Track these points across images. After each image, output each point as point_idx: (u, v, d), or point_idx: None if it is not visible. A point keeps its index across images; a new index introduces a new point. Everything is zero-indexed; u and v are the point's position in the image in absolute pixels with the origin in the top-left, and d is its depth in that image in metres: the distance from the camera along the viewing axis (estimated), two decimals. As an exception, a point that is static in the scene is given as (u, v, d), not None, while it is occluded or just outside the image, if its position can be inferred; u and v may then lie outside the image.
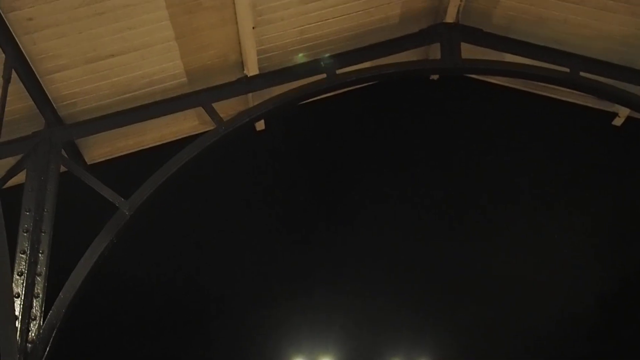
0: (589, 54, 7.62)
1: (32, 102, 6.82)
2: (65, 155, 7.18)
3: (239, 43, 7.13)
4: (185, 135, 7.75)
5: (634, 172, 8.73)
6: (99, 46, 6.66)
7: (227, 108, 7.52)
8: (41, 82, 6.74)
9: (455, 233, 8.79)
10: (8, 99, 6.33)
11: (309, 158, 8.56)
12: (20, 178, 6.90)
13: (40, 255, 6.54)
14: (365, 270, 8.96)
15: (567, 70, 7.55)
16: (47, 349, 6.25)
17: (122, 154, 7.75)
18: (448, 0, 7.47)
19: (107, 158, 7.74)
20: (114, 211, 6.89)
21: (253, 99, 7.62)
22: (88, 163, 7.62)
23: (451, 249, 8.66)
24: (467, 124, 8.51)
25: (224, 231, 8.49)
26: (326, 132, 8.50)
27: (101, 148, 7.63)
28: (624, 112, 8.15)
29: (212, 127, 7.28)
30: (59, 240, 6.65)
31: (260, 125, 8.03)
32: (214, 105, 7.31)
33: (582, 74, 7.56)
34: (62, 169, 7.07)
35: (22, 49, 6.38)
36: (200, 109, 7.38)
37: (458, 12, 7.58)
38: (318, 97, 7.67)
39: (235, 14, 6.83)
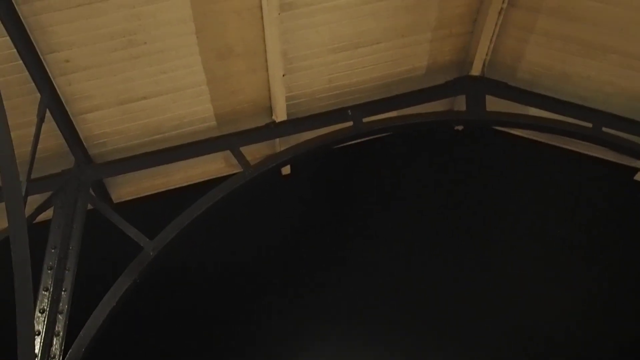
0: (612, 110, 7.72)
1: (63, 141, 6.99)
2: (93, 194, 7.31)
3: (269, 89, 7.29)
4: (211, 177, 7.86)
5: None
6: (132, 88, 6.84)
7: (255, 152, 7.64)
8: (73, 122, 6.90)
9: (476, 281, 8.83)
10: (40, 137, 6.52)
11: (335, 203, 8.64)
12: (47, 214, 7.02)
13: (63, 293, 6.60)
14: (390, 311, 8.97)
15: (590, 125, 7.65)
16: (66, 387, 6.30)
17: (148, 193, 7.85)
18: (474, 54, 7.63)
19: (134, 197, 7.85)
20: (139, 251, 7.00)
21: (280, 144, 7.73)
22: (115, 202, 7.72)
23: (474, 298, 8.69)
24: (490, 174, 8.59)
25: (248, 274, 8.55)
26: (352, 178, 8.58)
27: (128, 187, 7.74)
28: (645, 168, 8.24)
29: (239, 170, 7.40)
30: (82, 278, 6.73)
31: (286, 169, 8.15)
32: (242, 149, 7.46)
33: (604, 129, 7.65)
34: (89, 206, 7.22)
35: (57, 89, 6.56)
36: (228, 152, 7.51)
37: (484, 65, 7.74)
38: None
39: (266, 61, 7.02)
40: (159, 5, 6.20)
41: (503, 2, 7.11)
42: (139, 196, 7.91)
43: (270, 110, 7.53)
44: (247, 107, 7.43)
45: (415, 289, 8.61)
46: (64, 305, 6.60)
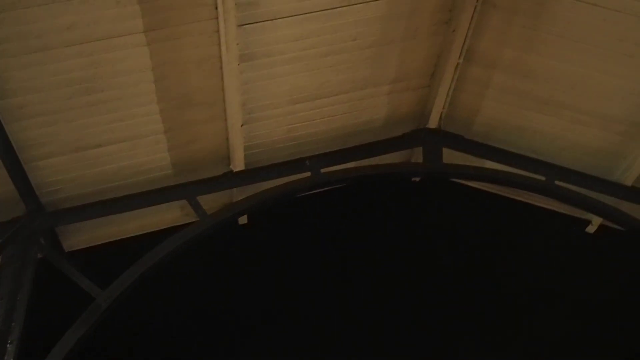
0: (565, 163, 7.90)
1: (14, 188, 6.84)
2: (44, 243, 7.15)
3: (227, 139, 7.27)
4: (168, 227, 7.77)
5: (605, 278, 8.94)
6: (87, 136, 6.74)
7: (212, 201, 7.58)
8: (25, 169, 6.74)
9: (431, 329, 8.84)
10: (-11, 183, 6.39)
11: (291, 252, 8.61)
12: (-4, 264, 6.84)
13: (8, 346, 6.39)
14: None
15: (544, 178, 7.80)
16: None
17: (102, 242, 7.71)
18: (431, 107, 7.76)
19: (87, 246, 7.70)
20: (91, 302, 6.84)
21: (238, 194, 7.69)
22: (67, 250, 7.56)
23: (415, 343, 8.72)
24: (447, 225, 8.69)
25: (202, 324, 8.42)
26: (309, 229, 8.58)
27: (82, 235, 7.58)
28: (597, 221, 8.38)
29: (195, 220, 7.34)
30: (31, 330, 6.55)
31: (243, 219, 8.09)
32: (199, 198, 7.39)
33: (557, 182, 7.82)
34: (40, 255, 7.06)
35: (9, 136, 6.43)
36: (185, 201, 7.44)
37: (441, 118, 7.87)
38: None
39: (225, 111, 7.02)
40: (117, 53, 6.16)
41: (459, 58, 7.27)
42: (92, 245, 7.79)
43: (228, 159, 7.50)
44: (204, 156, 7.39)
45: (370, 337, 8.59)
46: (9, 359, 6.41)
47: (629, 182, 7.86)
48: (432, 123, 7.88)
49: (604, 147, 7.75)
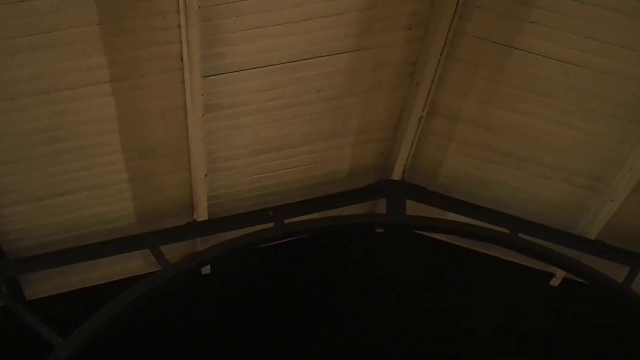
0: (528, 216, 7.97)
1: (-25, 236, 6.82)
2: (5, 291, 7.09)
3: (191, 189, 7.29)
4: (130, 276, 7.73)
5: (569, 331, 8.95)
6: (51, 184, 6.73)
7: (175, 251, 7.56)
8: (-13, 217, 6.77)
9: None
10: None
11: (254, 303, 8.58)
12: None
13: (-33, 394, 6.34)
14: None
15: (507, 231, 7.84)
16: None
17: (65, 290, 7.66)
18: (395, 159, 7.82)
19: (49, 295, 7.64)
20: (51, 351, 6.77)
21: (201, 244, 7.70)
22: (28, 299, 7.49)
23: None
24: (410, 277, 8.68)
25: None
26: (272, 279, 8.56)
27: (44, 284, 7.52)
28: (560, 273, 8.43)
29: (158, 269, 7.32)
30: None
31: (206, 269, 8.08)
32: (162, 247, 7.38)
33: (520, 235, 7.87)
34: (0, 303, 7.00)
35: (-30, 185, 6.45)
36: (148, 250, 7.43)
37: (404, 170, 7.93)
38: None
39: (189, 161, 7.04)
40: (82, 103, 6.20)
41: (423, 111, 7.36)
42: (54, 293, 7.73)
43: (191, 209, 7.50)
44: (168, 205, 7.40)
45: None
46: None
47: (592, 235, 7.92)
48: (396, 175, 7.94)
49: (566, 200, 7.84)
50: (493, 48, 6.79)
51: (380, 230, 8.37)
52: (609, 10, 6.17)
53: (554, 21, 6.39)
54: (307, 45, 6.53)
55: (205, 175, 7.14)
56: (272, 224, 7.66)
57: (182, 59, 6.20)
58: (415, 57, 7.05)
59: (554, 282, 8.54)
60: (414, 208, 7.94)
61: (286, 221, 7.67)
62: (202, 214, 7.50)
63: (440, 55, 6.93)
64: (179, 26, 5.93)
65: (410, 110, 7.37)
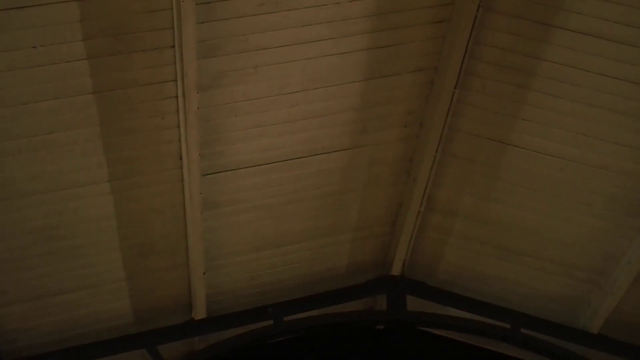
0: (529, 311, 7.89)
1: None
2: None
3: (189, 286, 7.26)
4: (127, 375, 7.63)
5: None
6: (48, 284, 6.69)
7: (173, 349, 7.48)
8: (-18, 319, 6.70)
9: None
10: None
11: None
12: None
13: None
14: None
15: (508, 326, 7.77)
16: None
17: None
18: (393, 254, 7.82)
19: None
20: None
21: (199, 342, 7.60)
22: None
23: None
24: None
25: None
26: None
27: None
28: (564, 369, 8.31)
29: (154, 369, 7.23)
30: None
31: (204, 368, 7.97)
32: (160, 346, 7.29)
33: (523, 330, 7.79)
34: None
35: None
36: (145, 350, 7.34)
37: (403, 265, 7.91)
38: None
39: (187, 258, 7.04)
40: (81, 202, 6.24)
41: (420, 206, 7.40)
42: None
43: (190, 307, 7.44)
44: (166, 303, 7.34)
45: None
46: None
47: (594, 329, 7.83)
48: (395, 270, 7.92)
49: (567, 294, 7.78)
50: (488, 144, 6.88)
51: (381, 327, 8.29)
52: (601, 109, 6.29)
53: (547, 118, 6.51)
54: (305, 143, 6.63)
55: (204, 273, 7.11)
56: (271, 322, 7.59)
57: (181, 158, 6.28)
58: (411, 154, 7.14)
59: (559, 378, 8.42)
60: (414, 303, 7.88)
61: (285, 318, 7.60)
62: (200, 312, 7.42)
63: (436, 152, 7.01)
64: (179, 126, 6.04)
65: (407, 206, 7.41)
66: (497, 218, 7.45)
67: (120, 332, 7.34)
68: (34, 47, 5.14)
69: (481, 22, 6.12)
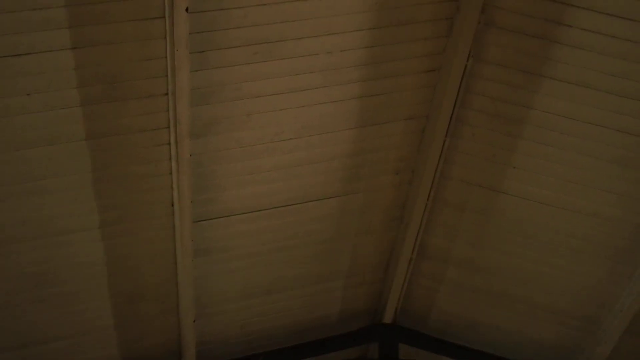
0: (523, 358, 7.83)
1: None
2: None
3: (179, 334, 7.18)
4: None
5: None
6: (35, 331, 6.59)
7: (160, 398, 7.41)
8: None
9: None
10: None
11: None
12: None
13: None
14: None
15: (502, 374, 7.76)
16: None
17: None
18: (385, 301, 7.77)
19: None
20: None
21: (188, 391, 7.54)
22: None
23: None
24: None
25: None
26: None
27: None
28: (559, 419, 8.24)
29: (141, 422, 7.12)
30: None
31: (192, 418, 7.86)
32: (147, 396, 7.21)
33: (516, 379, 7.77)
34: None
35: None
36: (133, 400, 7.25)
37: (396, 313, 7.86)
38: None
39: (177, 306, 6.98)
40: (72, 248, 6.20)
41: (412, 253, 7.40)
42: None
43: (179, 355, 7.34)
44: (155, 351, 7.24)
45: None
46: None
47: (588, 377, 7.84)
48: (387, 318, 7.86)
49: (561, 341, 7.74)
50: (479, 192, 6.92)
51: (373, 375, 8.24)
52: (589, 157, 6.35)
53: (537, 166, 6.56)
54: (297, 190, 6.65)
55: (194, 321, 7.06)
56: (262, 371, 7.57)
57: (173, 205, 6.27)
58: (403, 201, 7.17)
59: None
60: (407, 352, 7.83)
61: (276, 370, 7.58)
62: (189, 361, 7.40)
63: (428, 199, 7.04)
64: (171, 173, 6.05)
65: (399, 253, 7.41)
66: (489, 265, 7.45)
67: (107, 382, 7.30)
68: (28, 94, 5.18)
69: (471, 71, 6.22)
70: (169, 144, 5.85)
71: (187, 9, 5.08)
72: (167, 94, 5.54)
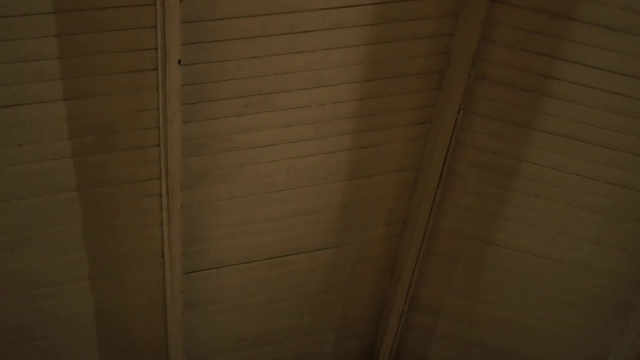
0: None
1: None
2: None
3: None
4: None
5: None
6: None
7: None
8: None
9: None
10: None
11: None
12: None
13: None
14: None
15: None
16: None
17: None
18: (377, 354, 7.69)
19: None
20: None
21: None
22: None
23: None
24: None
25: None
26: None
27: None
28: None
29: None
30: None
31: None
32: None
33: None
34: None
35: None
36: None
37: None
38: None
39: (167, 358, 6.87)
40: (61, 300, 6.13)
41: (404, 305, 7.36)
42: None
43: None
44: None
45: None
46: None
47: None
48: (382, 376, 7.86)
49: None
50: (470, 243, 6.92)
51: None
52: (580, 208, 6.38)
53: (528, 218, 6.57)
54: (288, 242, 6.64)
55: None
56: None
57: (163, 256, 6.25)
58: (394, 253, 7.17)
59: None
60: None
61: None
62: None
63: (419, 251, 7.03)
64: (162, 224, 6.04)
65: (391, 305, 7.37)
66: (481, 318, 7.40)
67: None
68: (19, 145, 5.19)
69: (462, 124, 6.28)
70: (160, 194, 5.85)
71: (179, 62, 5.14)
72: (158, 145, 5.56)
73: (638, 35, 5.53)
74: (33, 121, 5.11)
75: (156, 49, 5.12)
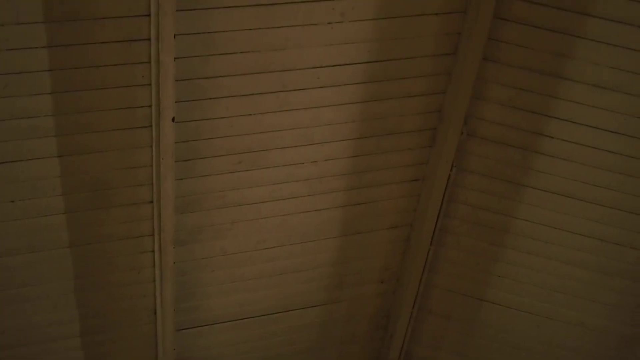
0: None
1: None
2: None
3: None
4: None
5: None
6: None
7: None
8: None
9: None
10: None
11: None
12: None
13: None
14: None
15: None
16: None
17: None
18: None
19: None
20: None
21: None
22: None
23: None
24: None
25: None
26: None
27: None
28: None
29: None
30: None
31: None
32: None
33: None
34: None
35: None
36: None
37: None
38: None
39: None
40: (51, 357, 6.05)
41: (413, 308, 7.20)
42: None
43: None
44: None
45: None
46: None
47: None
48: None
49: None
50: (463, 300, 6.88)
51: None
52: (573, 265, 6.36)
53: (521, 275, 6.55)
54: (280, 299, 6.60)
55: None
56: None
57: (155, 313, 6.21)
58: (387, 310, 7.12)
59: None
60: None
61: None
62: None
63: (413, 308, 7.00)
64: (154, 280, 6.01)
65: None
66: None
67: None
68: (12, 202, 5.19)
69: (455, 181, 6.30)
70: (153, 251, 5.84)
71: (173, 119, 5.19)
72: (151, 201, 5.57)
73: (628, 93, 5.61)
74: (27, 177, 5.12)
75: (150, 106, 5.17)
